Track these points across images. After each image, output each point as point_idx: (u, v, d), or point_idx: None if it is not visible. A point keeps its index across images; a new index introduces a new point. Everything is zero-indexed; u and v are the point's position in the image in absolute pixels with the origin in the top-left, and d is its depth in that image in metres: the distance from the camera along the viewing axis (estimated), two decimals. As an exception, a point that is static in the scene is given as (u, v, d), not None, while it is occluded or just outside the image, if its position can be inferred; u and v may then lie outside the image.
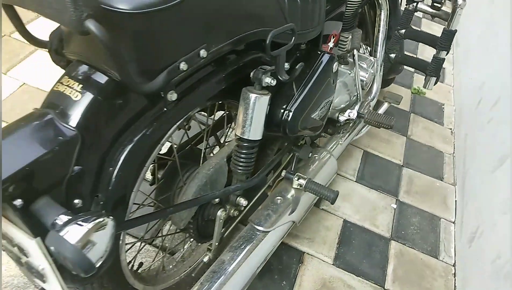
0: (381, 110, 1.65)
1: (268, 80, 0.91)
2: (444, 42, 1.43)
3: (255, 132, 0.96)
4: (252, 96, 0.91)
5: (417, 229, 1.67)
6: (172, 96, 0.73)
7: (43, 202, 0.63)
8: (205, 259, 1.10)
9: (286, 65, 0.98)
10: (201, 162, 1.05)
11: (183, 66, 0.71)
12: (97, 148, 0.69)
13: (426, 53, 2.66)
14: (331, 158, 1.37)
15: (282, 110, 1.00)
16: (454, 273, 1.55)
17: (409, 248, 1.59)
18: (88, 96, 0.66)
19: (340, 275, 1.45)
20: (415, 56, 1.70)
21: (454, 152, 2.06)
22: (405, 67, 2.21)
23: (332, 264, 1.48)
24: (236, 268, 1.00)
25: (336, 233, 1.57)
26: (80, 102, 0.66)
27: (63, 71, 0.71)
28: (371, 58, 1.53)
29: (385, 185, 1.80)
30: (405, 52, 1.97)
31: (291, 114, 1.00)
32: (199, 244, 1.25)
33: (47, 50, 0.75)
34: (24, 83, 1.81)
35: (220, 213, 1.03)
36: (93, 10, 0.54)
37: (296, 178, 1.17)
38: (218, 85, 0.86)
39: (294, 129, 1.02)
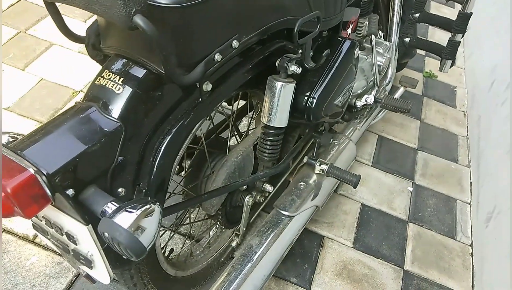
0: (397, 95, 1.66)
1: (294, 68, 0.93)
2: (459, 25, 1.44)
3: (281, 119, 0.98)
4: (278, 84, 0.94)
5: (433, 211, 1.69)
6: (208, 86, 0.76)
7: (91, 191, 0.66)
8: (233, 243, 1.13)
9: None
10: (227, 150, 1.07)
11: (217, 57, 0.74)
12: (138, 139, 0.71)
13: (437, 36, 2.66)
14: (350, 143, 1.40)
15: (306, 97, 1.02)
16: (472, 253, 1.58)
17: (427, 229, 1.62)
18: (130, 89, 0.69)
19: (360, 258, 1.48)
20: (427, 39, 1.71)
21: (467, 134, 2.07)
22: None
23: (352, 247, 1.51)
24: (265, 252, 1.04)
25: (355, 217, 1.60)
26: (122, 95, 0.69)
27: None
28: (387, 42, 1.54)
29: (401, 168, 1.83)
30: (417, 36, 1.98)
31: (315, 100, 1.02)
32: (223, 229, 1.28)
33: (84, 45, 0.77)
34: (42, 79, 1.83)
35: (248, 199, 1.06)
36: (140, 5, 0.56)
37: (318, 164, 1.20)
38: (246, 75, 0.88)
39: (318, 115, 1.04)
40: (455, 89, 2.33)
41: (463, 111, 2.21)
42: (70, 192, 0.62)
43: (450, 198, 1.76)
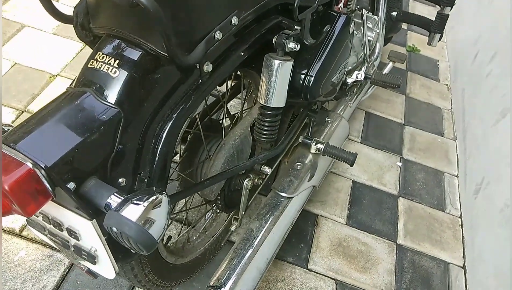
0: (386, 70, 1.65)
1: (292, 45, 0.89)
2: (448, -3, 1.43)
3: (279, 99, 0.95)
4: (276, 62, 0.90)
5: (423, 184, 1.71)
6: (208, 67, 0.72)
7: (93, 184, 0.62)
8: (232, 228, 1.11)
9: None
10: (222, 133, 1.04)
11: (218, 35, 0.70)
12: (137, 125, 0.67)
13: (417, 10, 2.65)
14: (343, 121, 1.38)
15: (303, 76, 0.99)
16: (461, 224, 1.61)
17: (417, 203, 1.64)
18: (126, 72, 0.64)
19: (354, 234, 1.49)
20: (413, 13, 1.69)
21: (452, 108, 2.09)
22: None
23: (346, 224, 1.51)
24: (266, 235, 1.02)
25: (347, 194, 1.60)
26: (119, 78, 0.64)
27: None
28: (375, 17, 1.51)
29: (389, 144, 1.83)
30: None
31: (312, 78, 0.99)
32: (219, 214, 1.26)
33: (72, 25, 0.71)
34: (16, 63, 1.73)
35: (247, 182, 1.04)
36: (140, -20, 0.51)
37: (314, 143, 1.18)
38: (244, 54, 0.84)
39: (316, 94, 1.01)
40: (437, 63, 2.34)
41: (447, 85, 2.22)
42: (71, 185, 0.58)
43: (438, 172, 1.78)
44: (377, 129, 1.88)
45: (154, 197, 0.60)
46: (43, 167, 0.54)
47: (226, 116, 1.11)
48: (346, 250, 1.44)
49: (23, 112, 1.57)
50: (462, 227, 1.60)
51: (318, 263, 1.38)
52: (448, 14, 1.46)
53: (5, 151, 0.54)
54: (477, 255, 1.45)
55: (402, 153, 1.81)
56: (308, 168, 1.18)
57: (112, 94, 0.63)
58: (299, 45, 0.90)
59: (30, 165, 0.53)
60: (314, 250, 1.41)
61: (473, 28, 2.18)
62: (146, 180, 0.70)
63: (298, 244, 1.42)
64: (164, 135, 0.69)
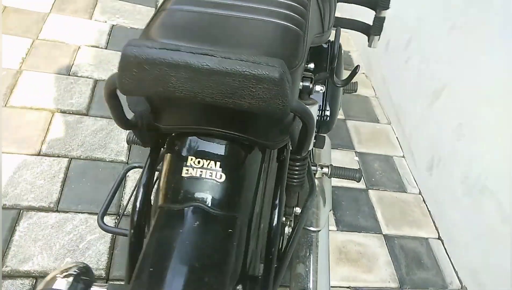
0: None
1: (319, 88, 0.88)
2: (384, 1, 1.53)
3: (310, 144, 0.93)
4: (303, 107, 0.88)
5: (381, 172, 1.85)
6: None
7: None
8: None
9: (312, 65, 0.96)
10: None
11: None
12: (244, 224, 0.60)
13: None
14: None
15: (319, 111, 0.99)
16: (424, 200, 1.78)
17: (384, 191, 1.77)
18: (231, 173, 0.57)
19: (348, 237, 1.55)
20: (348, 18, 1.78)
21: (376, 94, 2.27)
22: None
23: (337, 230, 1.57)
24: (316, 274, 1.01)
25: (327, 201, 1.66)
26: (227, 183, 0.56)
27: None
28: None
29: (342, 141, 1.93)
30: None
31: (328, 112, 0.99)
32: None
33: (137, 129, 0.59)
34: None
35: (287, 229, 1.00)
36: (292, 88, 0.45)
37: (319, 168, 1.19)
38: None
39: (331, 126, 1.02)
40: (349, 53, 2.51)
41: (363, 73, 2.40)
42: None
43: (388, 157, 1.93)
44: (327, 129, 1.97)
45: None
46: None
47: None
48: (348, 255, 1.49)
49: None
50: (425, 203, 1.78)
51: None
52: (385, 17, 1.58)
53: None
54: (451, 225, 1.63)
55: (355, 148, 1.92)
56: (321, 194, 1.19)
57: (226, 202, 0.56)
58: (324, 87, 0.89)
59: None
60: (322, 265, 1.44)
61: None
62: (259, 277, 0.63)
63: (304, 264, 1.43)
64: (274, 224, 0.63)
